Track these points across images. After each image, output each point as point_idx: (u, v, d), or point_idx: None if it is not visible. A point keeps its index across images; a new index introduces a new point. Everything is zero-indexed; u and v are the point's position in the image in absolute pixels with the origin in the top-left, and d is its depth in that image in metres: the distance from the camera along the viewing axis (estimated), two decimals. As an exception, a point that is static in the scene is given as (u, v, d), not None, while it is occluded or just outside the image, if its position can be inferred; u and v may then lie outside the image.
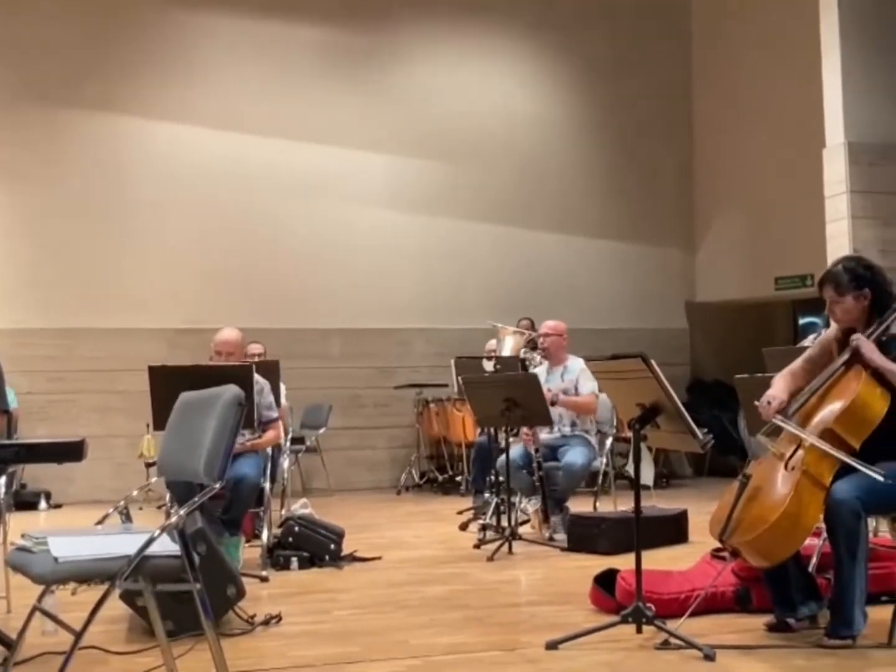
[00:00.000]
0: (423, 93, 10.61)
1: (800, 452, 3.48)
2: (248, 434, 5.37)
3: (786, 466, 3.48)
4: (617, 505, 6.72)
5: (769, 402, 3.64)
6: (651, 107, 11.12)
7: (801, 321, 11.09)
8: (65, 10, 9.59)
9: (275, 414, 5.57)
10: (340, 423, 9.69)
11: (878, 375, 3.56)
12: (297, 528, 5.38)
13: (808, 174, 8.58)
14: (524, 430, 6.45)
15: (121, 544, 2.76)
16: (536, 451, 6.30)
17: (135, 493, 6.53)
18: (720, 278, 10.96)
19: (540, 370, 6.66)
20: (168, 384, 4.73)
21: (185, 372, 5.06)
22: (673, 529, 5.99)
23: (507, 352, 7.83)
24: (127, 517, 4.53)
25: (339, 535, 5.49)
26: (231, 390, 2.84)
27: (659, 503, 6.98)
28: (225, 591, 3.95)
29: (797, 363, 3.87)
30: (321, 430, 9.21)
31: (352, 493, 9.46)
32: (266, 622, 4.02)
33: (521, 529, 6.16)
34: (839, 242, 7.81)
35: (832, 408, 3.53)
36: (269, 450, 5.65)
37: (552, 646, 3.56)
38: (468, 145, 10.60)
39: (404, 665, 3.41)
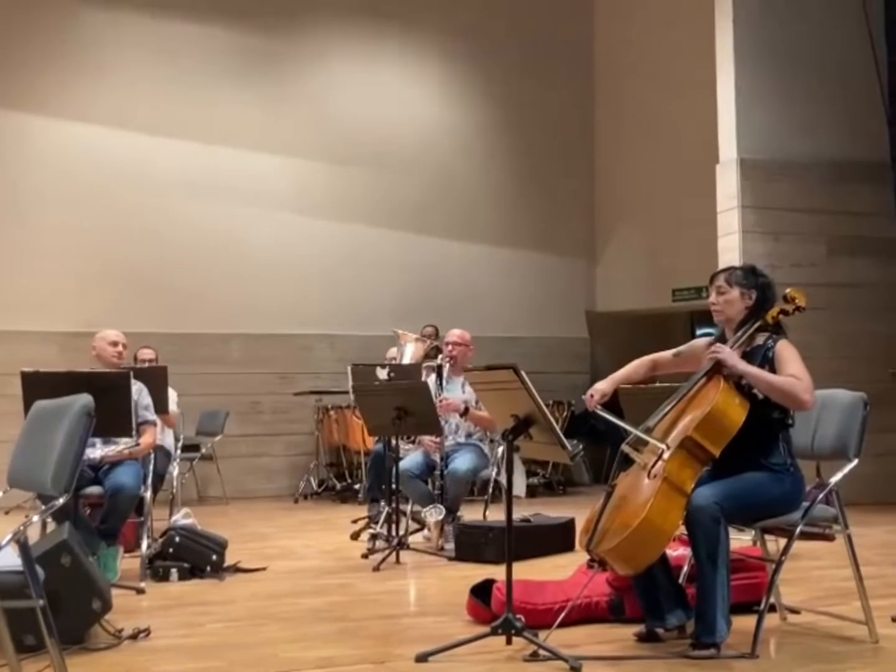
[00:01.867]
0: (328, 97, 10.56)
1: (661, 461, 3.53)
2: (127, 441, 5.24)
3: (648, 475, 3.53)
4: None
5: (592, 395, 3.81)
6: (554, 117, 11.24)
7: (698, 332, 11.28)
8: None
9: (151, 416, 5.45)
10: (238, 429, 9.55)
11: (738, 385, 3.64)
12: (177, 539, 5.26)
13: (703, 189, 8.76)
14: (428, 438, 6.44)
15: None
16: (442, 459, 6.30)
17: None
18: (620, 289, 11.13)
19: (433, 378, 6.64)
20: (42, 390, 4.57)
21: (60, 378, 4.91)
22: (560, 538, 6.03)
23: (408, 359, 7.79)
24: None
25: (221, 546, 5.39)
26: (81, 400, 2.75)
27: (554, 511, 6.99)
28: (90, 605, 3.84)
29: (666, 354, 4.03)
30: (217, 437, 9.06)
31: (249, 502, 9.33)
32: (134, 636, 3.91)
33: (416, 539, 6.14)
34: (730, 256, 7.98)
35: (692, 416, 3.59)
36: (151, 456, 5.52)
37: (422, 658, 3.53)
38: (373, 151, 10.57)
39: (268, 680, 3.35)
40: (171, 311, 9.68)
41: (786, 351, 3.67)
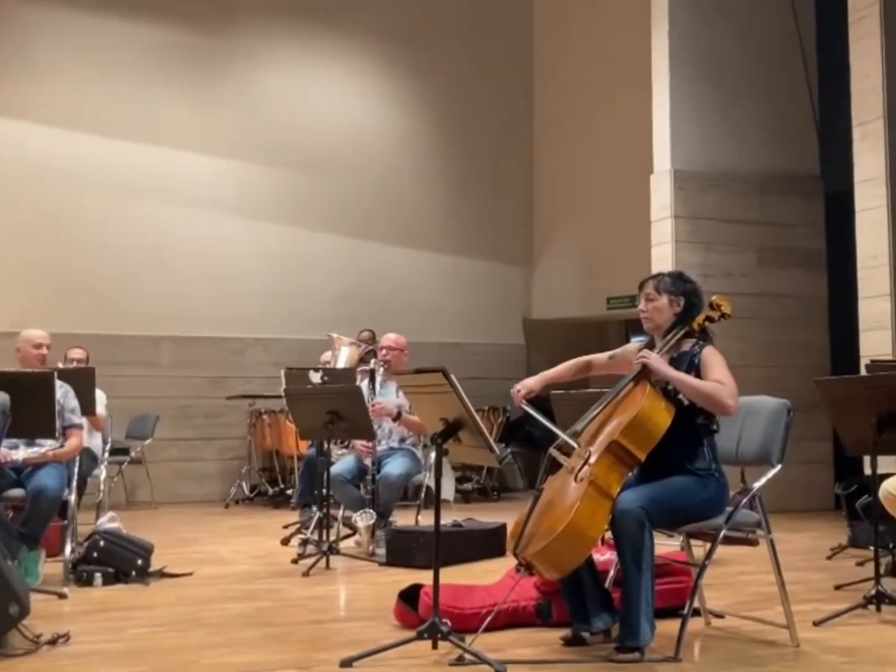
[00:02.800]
0: (264, 98, 10.47)
1: (588, 465, 3.55)
2: (51, 444, 5.13)
3: (575, 479, 3.54)
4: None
5: (518, 390, 3.87)
6: (494, 125, 11.29)
7: (633, 339, 11.41)
8: None
9: (77, 419, 5.34)
10: (169, 433, 9.42)
11: (664, 391, 3.69)
12: (102, 543, 5.16)
13: (639, 198, 8.85)
14: (361, 441, 6.40)
15: None
16: (373, 463, 6.26)
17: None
18: (556, 296, 11.19)
19: (366, 382, 6.61)
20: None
21: (-19, 378, 4.79)
22: (491, 542, 6.03)
23: (342, 363, 7.76)
24: None
25: (147, 551, 5.29)
26: (-4, 398, 2.68)
27: (488, 517, 7.00)
28: (7, 609, 3.74)
29: (602, 356, 4.09)
30: (147, 441, 8.92)
31: (178, 506, 9.19)
32: (52, 641, 3.81)
33: (348, 544, 6.10)
34: (664, 265, 8.07)
35: (619, 420, 3.62)
36: (76, 458, 5.41)
37: (346, 663, 3.50)
38: (309, 154, 10.52)
39: (190, 685, 3.30)
40: (101, 313, 9.52)
41: (711, 357, 3.72)
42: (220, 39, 10.31)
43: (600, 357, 4.11)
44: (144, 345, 9.74)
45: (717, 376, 3.64)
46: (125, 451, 8.72)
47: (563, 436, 3.69)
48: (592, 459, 3.58)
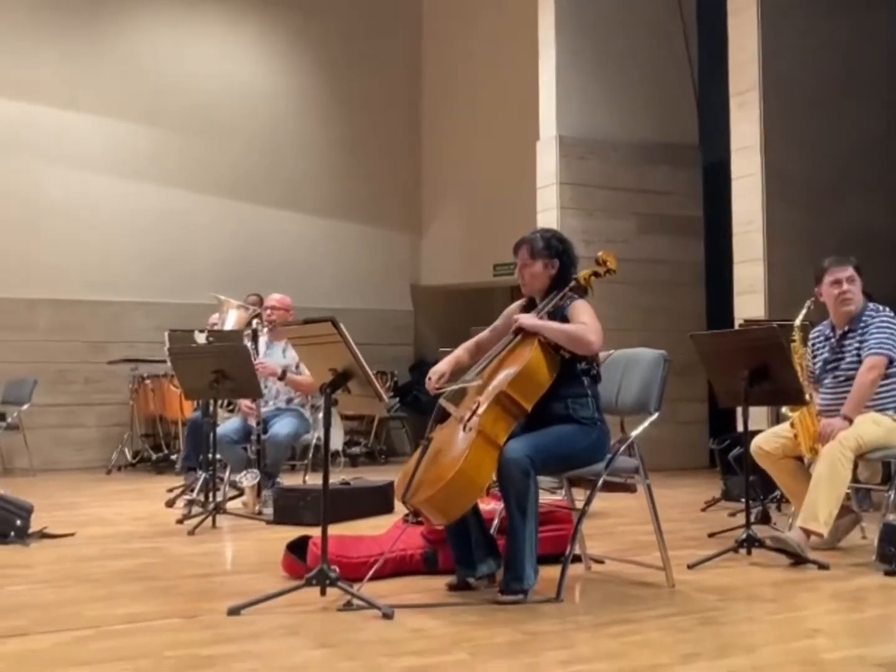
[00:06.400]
0: (143, 54, 10.21)
1: (476, 415, 3.62)
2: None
3: (464, 428, 3.62)
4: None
5: (430, 378, 3.87)
6: (381, 90, 11.26)
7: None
8: None
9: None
10: (46, 399, 9.16)
11: (553, 344, 3.78)
12: (-22, 504, 5.02)
13: (525, 165, 8.97)
14: (245, 402, 6.36)
15: None
16: (258, 423, 6.23)
17: None
18: (444, 263, 11.27)
19: (250, 344, 6.55)
20: None
21: None
22: (379, 500, 6.09)
23: (230, 325, 7.66)
24: None
25: (26, 511, 5.16)
26: None
27: (376, 478, 7.03)
28: None
29: (485, 333, 4.10)
30: (24, 407, 8.66)
31: (57, 474, 8.97)
32: (-75, 601, 3.72)
33: (234, 505, 6.06)
34: (549, 231, 8.20)
35: (507, 372, 3.71)
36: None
37: (234, 611, 3.50)
38: (191, 113, 10.31)
39: (73, 636, 3.24)
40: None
41: (580, 306, 3.85)
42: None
43: (484, 335, 4.11)
44: (18, 308, 9.42)
45: (582, 320, 3.77)
46: (1, 417, 8.45)
47: (452, 388, 3.75)
48: (481, 410, 3.65)
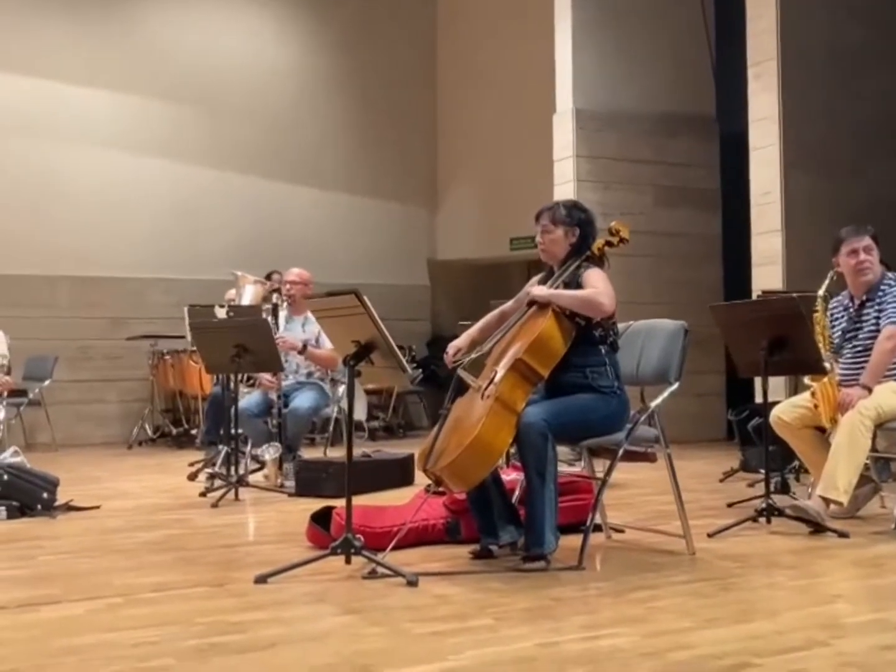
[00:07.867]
0: (162, 32, 10.23)
1: (494, 383, 3.66)
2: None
3: (482, 397, 3.66)
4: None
5: (448, 352, 3.96)
6: (397, 65, 11.23)
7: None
8: None
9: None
10: (68, 375, 9.25)
11: (567, 312, 3.81)
12: (5, 477, 5.08)
13: (541, 138, 8.96)
14: (266, 376, 6.41)
15: None
16: (279, 397, 6.28)
17: None
18: (460, 237, 11.28)
19: (270, 319, 6.60)
20: None
21: None
22: (400, 472, 6.14)
23: (247, 301, 7.71)
24: None
25: (52, 484, 5.24)
26: None
27: (395, 451, 7.08)
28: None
29: (509, 303, 4.15)
30: (45, 383, 8.74)
31: (79, 449, 9.07)
32: (-42, 570, 3.79)
33: (256, 478, 6.13)
34: (566, 204, 8.20)
35: (523, 341, 3.76)
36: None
37: (261, 580, 3.56)
38: (210, 91, 10.32)
39: (104, 603, 3.31)
40: (-6, 252, 9.25)
41: (592, 274, 3.88)
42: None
43: (509, 304, 4.17)
44: (39, 285, 9.50)
45: (594, 285, 3.80)
46: (23, 393, 8.53)
47: (470, 357, 3.79)
48: (498, 378, 3.69)
